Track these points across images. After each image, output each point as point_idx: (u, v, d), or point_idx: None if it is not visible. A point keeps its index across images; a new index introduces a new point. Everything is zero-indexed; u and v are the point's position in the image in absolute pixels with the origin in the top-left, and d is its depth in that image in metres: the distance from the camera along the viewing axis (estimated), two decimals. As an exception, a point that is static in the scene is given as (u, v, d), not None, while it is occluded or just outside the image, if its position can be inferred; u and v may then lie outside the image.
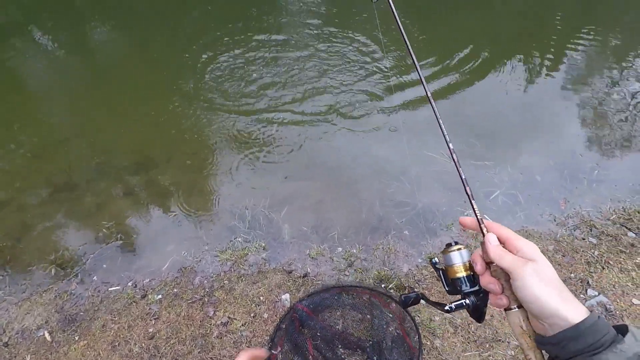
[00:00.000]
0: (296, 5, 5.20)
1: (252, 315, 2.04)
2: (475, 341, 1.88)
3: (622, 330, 0.53)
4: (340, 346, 1.85)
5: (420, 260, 2.38)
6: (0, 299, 2.09)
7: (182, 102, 3.51)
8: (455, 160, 0.75)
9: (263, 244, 2.43)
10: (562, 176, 2.95)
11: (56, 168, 2.91)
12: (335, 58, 4.13)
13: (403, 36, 0.83)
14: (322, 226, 2.59)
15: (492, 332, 1.91)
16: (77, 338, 1.92)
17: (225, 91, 3.67)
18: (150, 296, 2.13)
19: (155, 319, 2.02)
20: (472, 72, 4.04)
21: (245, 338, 1.93)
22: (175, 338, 1.92)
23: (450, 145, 0.75)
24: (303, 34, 4.56)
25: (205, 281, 2.22)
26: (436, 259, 0.70)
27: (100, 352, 1.86)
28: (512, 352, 1.83)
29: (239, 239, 2.46)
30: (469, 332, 1.91)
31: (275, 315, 2.04)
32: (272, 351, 1.84)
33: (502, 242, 0.63)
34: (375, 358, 1.73)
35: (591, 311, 0.53)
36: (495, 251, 0.61)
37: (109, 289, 2.17)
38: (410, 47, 0.83)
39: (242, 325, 1.99)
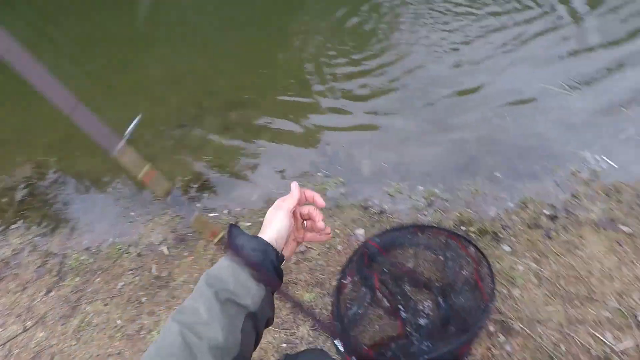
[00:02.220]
0: None
1: (327, 246, 2.16)
2: (563, 296, 1.69)
3: None
4: (407, 283, 1.87)
5: (511, 205, 2.15)
6: (133, 219, 2.60)
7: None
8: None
9: (342, 180, 2.47)
10: None
11: (172, 108, 3.33)
12: None
13: None
14: (405, 163, 2.49)
15: (586, 289, 1.69)
16: (185, 254, 2.32)
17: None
18: (241, 223, 2.41)
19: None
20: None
21: (320, 266, 2.08)
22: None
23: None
24: None
25: (288, 213, 2.40)
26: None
27: (203, 267, 2.23)
28: (609, 314, 1.61)
29: (320, 174, 2.54)
30: (557, 286, 1.73)
31: (349, 249, 2.12)
32: (343, 280, 1.95)
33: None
34: (440, 299, 1.71)
35: None
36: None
37: (209, 215, 2.51)
38: None
39: (317, 254, 2.13)
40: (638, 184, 2.04)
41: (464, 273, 1.83)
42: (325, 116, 2.97)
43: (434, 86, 2.97)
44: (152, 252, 2.37)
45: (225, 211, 2.52)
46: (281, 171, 2.66)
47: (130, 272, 2.26)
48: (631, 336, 1.52)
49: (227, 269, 0.66)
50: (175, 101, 3.40)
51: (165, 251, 2.34)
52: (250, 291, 0.65)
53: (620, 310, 1.59)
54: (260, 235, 0.72)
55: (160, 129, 3.14)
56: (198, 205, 2.58)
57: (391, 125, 2.77)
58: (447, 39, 3.37)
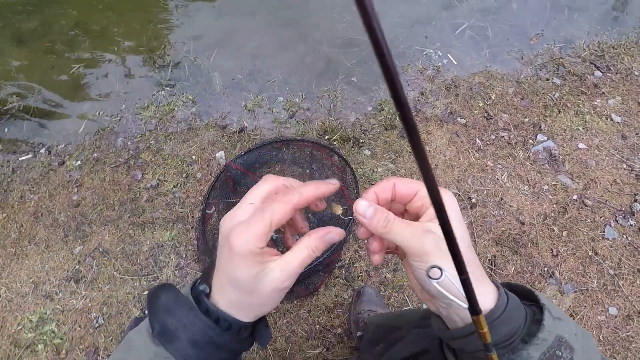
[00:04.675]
0: None
1: (184, 175, 1.90)
2: (415, 191, 1.85)
3: (531, 299, 0.42)
4: (276, 204, 1.80)
5: (370, 109, 2.17)
6: None
7: None
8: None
9: (191, 97, 2.13)
10: (542, 4, 2.53)
11: None
12: None
13: None
14: (260, 73, 2.25)
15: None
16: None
17: None
18: (68, 162, 1.92)
19: (78, 186, 1.86)
20: None
21: (179, 199, 1.84)
22: (103, 204, 1.81)
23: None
24: None
25: (129, 142, 2.00)
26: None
27: (23, 224, 1.76)
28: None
29: (163, 92, 2.13)
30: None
31: (210, 175, 1.91)
32: (207, 211, 1.78)
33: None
34: (310, 214, 1.69)
35: (497, 287, 0.40)
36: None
37: (20, 159, 1.93)
38: None
39: (173, 186, 1.87)
40: (471, 77, 2.24)
41: (330, 183, 1.83)
42: (158, 14, 2.42)
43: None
44: (-62, 217, 1.75)
45: (43, 150, 1.97)
46: (109, 94, 2.14)
47: None
48: (466, 216, 1.77)
49: None
50: None
51: None
52: None
53: (459, 195, 1.82)
54: (216, 296, 0.43)
55: None
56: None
57: (241, 28, 2.42)
58: None
